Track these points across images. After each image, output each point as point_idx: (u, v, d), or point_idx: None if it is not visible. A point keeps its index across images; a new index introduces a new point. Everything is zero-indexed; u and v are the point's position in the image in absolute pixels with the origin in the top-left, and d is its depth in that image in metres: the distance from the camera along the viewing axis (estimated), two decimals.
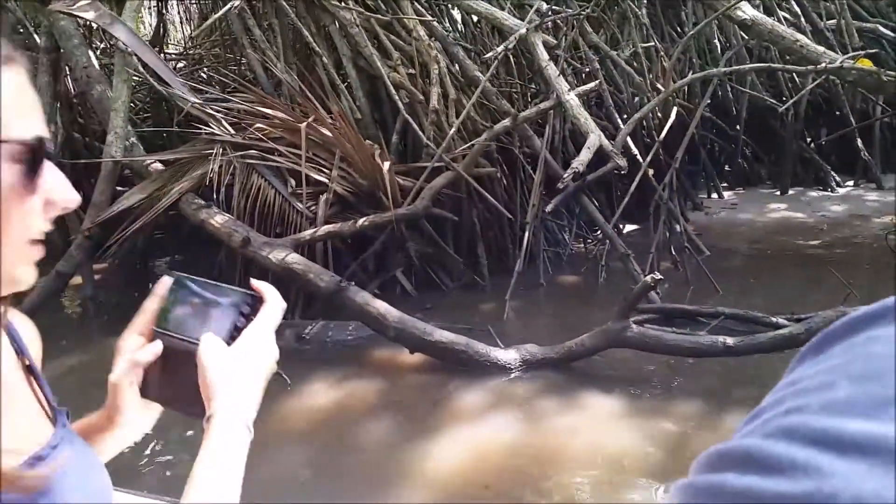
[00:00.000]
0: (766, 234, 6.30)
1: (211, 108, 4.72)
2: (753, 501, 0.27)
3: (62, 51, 5.53)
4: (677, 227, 5.76)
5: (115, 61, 5.01)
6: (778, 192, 7.68)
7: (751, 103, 7.60)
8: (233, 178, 4.72)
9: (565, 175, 4.10)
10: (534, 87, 6.30)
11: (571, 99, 4.73)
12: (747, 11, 5.04)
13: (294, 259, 4.20)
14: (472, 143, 4.81)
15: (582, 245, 6.03)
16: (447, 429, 3.25)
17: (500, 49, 4.83)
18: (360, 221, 4.55)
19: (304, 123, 4.59)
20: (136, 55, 4.73)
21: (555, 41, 5.17)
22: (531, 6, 5.79)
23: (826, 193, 7.64)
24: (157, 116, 6.64)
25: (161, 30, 6.88)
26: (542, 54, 4.91)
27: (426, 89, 5.20)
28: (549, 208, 4.85)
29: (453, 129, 4.79)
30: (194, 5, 7.25)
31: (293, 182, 4.81)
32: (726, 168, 8.10)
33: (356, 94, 5.33)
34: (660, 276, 3.49)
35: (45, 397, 0.81)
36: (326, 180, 4.83)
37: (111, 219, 4.77)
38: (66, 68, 5.98)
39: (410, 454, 3.05)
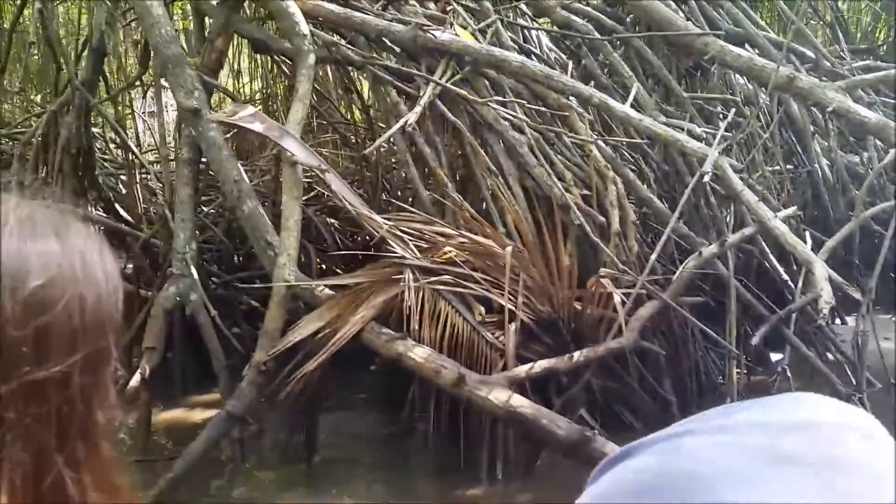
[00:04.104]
0: None
1: (400, 230, 4.34)
2: None
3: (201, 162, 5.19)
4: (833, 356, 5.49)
5: (283, 177, 4.64)
6: (892, 318, 7.43)
7: None
8: (420, 305, 4.30)
9: (822, 312, 3.77)
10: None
11: (779, 225, 4.48)
12: None
13: (520, 402, 3.74)
14: (682, 268, 4.50)
15: (742, 373, 5.63)
16: None
17: (696, 177, 4.60)
18: (576, 356, 4.14)
19: (510, 249, 4.23)
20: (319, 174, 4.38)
21: (740, 164, 4.97)
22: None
23: None
24: None
25: None
26: (735, 179, 4.67)
27: (603, 211, 4.91)
28: (755, 340, 4.51)
29: (654, 255, 4.48)
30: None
31: (482, 309, 4.40)
32: None
33: (523, 214, 5.01)
34: None
35: None
36: (513, 307, 4.43)
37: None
38: None
39: None
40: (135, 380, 4.26)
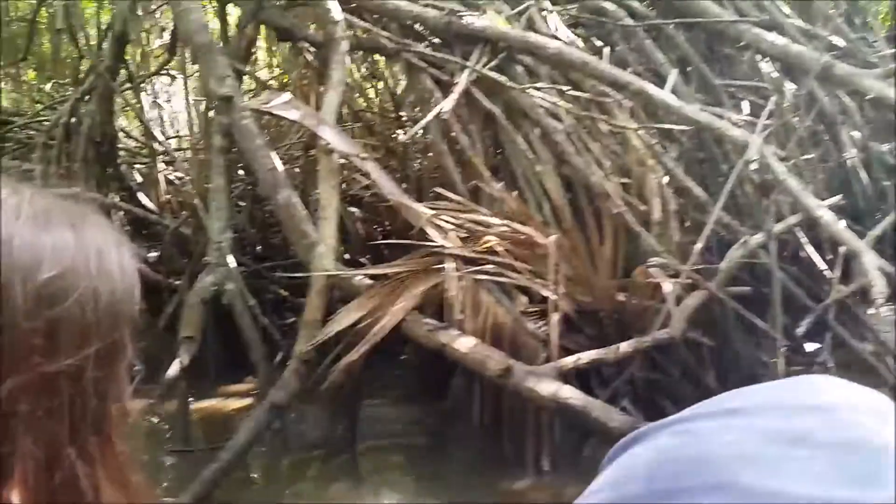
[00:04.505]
0: None
1: (442, 220, 4.27)
2: None
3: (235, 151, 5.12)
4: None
5: (320, 166, 4.56)
6: None
7: None
8: (461, 295, 4.24)
9: (877, 301, 3.71)
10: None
11: (826, 214, 4.41)
12: None
13: (569, 393, 3.69)
14: (728, 257, 4.43)
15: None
16: None
17: (740, 164, 4.54)
18: (624, 346, 4.07)
19: (553, 238, 4.16)
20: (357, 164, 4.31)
21: (782, 153, 4.90)
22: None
23: None
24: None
25: None
26: (780, 167, 4.61)
27: (643, 200, 4.84)
28: (800, 330, 4.44)
29: (700, 244, 4.40)
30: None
31: (524, 300, 4.34)
32: None
33: (561, 203, 4.94)
34: None
35: None
36: (556, 297, 4.37)
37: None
38: None
39: None
40: (173, 369, 4.21)
